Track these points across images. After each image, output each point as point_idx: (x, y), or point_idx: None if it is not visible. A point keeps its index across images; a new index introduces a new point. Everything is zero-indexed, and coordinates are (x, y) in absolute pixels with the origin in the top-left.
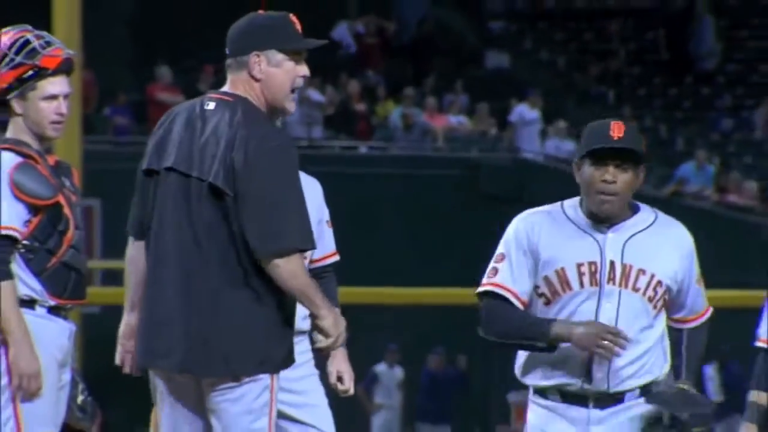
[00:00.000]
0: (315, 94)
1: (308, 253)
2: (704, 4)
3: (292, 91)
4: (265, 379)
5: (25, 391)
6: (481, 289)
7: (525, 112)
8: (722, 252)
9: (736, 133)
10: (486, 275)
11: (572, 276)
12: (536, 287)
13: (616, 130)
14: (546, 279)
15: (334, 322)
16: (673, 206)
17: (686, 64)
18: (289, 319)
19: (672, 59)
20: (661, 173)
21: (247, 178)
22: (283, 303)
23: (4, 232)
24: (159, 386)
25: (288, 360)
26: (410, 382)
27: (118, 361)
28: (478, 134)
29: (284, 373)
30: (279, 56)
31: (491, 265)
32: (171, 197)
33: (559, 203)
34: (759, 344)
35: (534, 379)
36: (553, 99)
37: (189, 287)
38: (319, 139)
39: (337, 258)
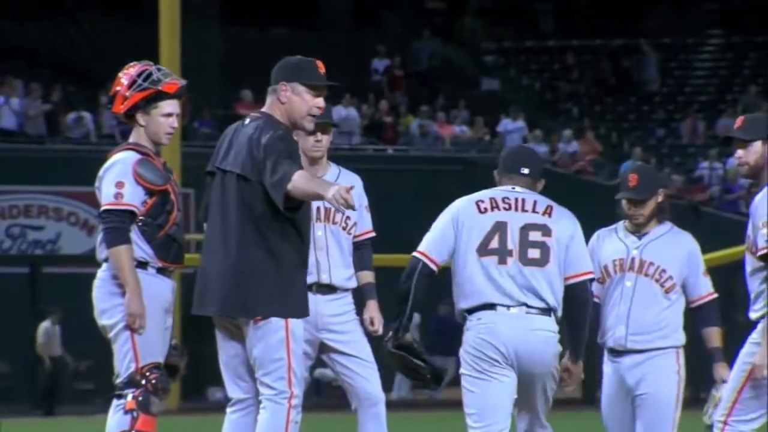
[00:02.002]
0: (344, 111)
1: (351, 230)
2: (648, 44)
3: (311, 115)
4: (278, 321)
5: (133, 326)
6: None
7: (509, 123)
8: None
9: (668, 139)
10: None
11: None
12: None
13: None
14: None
15: (324, 190)
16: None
17: (631, 88)
18: (299, 278)
19: (619, 84)
20: (611, 168)
21: (262, 160)
22: (294, 264)
23: (127, 207)
24: (217, 330)
25: (300, 310)
26: (425, 324)
27: None
28: (475, 140)
29: (332, 320)
30: (301, 88)
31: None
32: (217, 189)
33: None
34: None
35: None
36: (531, 113)
37: (223, 254)
38: (356, 144)
39: (373, 234)
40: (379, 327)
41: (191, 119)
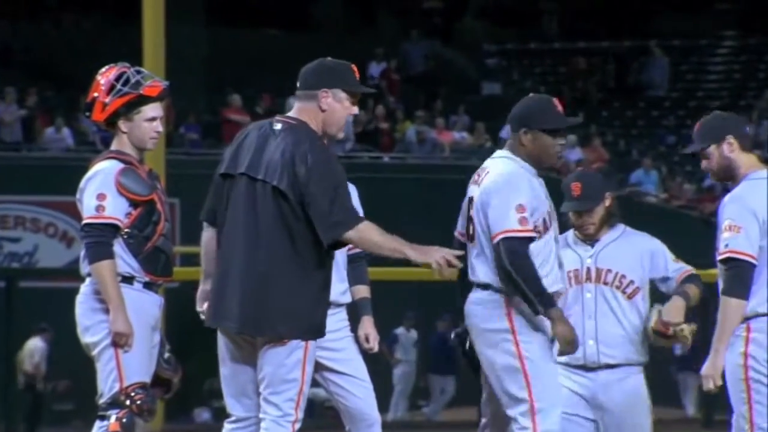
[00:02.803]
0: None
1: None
2: (657, 46)
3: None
4: (298, 342)
5: (120, 345)
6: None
7: None
8: (666, 239)
9: (679, 146)
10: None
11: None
12: None
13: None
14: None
15: (419, 253)
16: (631, 203)
17: (639, 92)
18: (324, 298)
19: (626, 88)
20: (620, 178)
21: (307, 183)
22: (321, 284)
23: (109, 221)
24: (223, 343)
25: (321, 331)
26: (423, 341)
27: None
28: (476, 147)
29: (327, 337)
30: (342, 95)
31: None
32: (242, 195)
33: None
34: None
35: None
36: None
37: (249, 267)
38: (351, 151)
39: None
40: (374, 344)
41: (177, 124)
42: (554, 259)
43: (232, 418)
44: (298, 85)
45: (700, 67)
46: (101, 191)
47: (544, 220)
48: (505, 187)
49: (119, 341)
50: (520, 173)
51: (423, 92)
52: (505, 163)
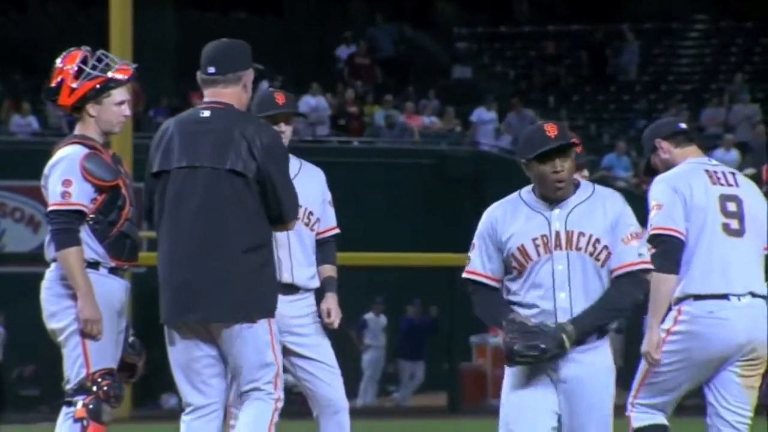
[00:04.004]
0: (314, 100)
1: (314, 227)
2: (629, 29)
3: None
4: (264, 322)
5: (89, 333)
6: (463, 275)
7: (483, 113)
8: (638, 220)
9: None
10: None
11: (530, 249)
12: (510, 261)
13: (551, 130)
14: (513, 256)
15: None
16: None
17: (611, 76)
18: (275, 277)
19: (598, 72)
20: (591, 161)
21: (263, 160)
22: (273, 262)
23: (75, 207)
24: (174, 333)
25: (275, 308)
26: (392, 327)
27: None
28: (446, 131)
29: (293, 322)
30: (252, 74)
31: (468, 255)
32: (187, 187)
33: (517, 192)
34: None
35: None
36: (505, 104)
37: (206, 255)
38: (321, 136)
39: (337, 231)
40: (335, 319)
41: (146, 108)
42: None
43: (190, 408)
44: (212, 70)
45: (672, 51)
46: (66, 177)
47: None
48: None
49: (88, 328)
50: None
51: (393, 76)
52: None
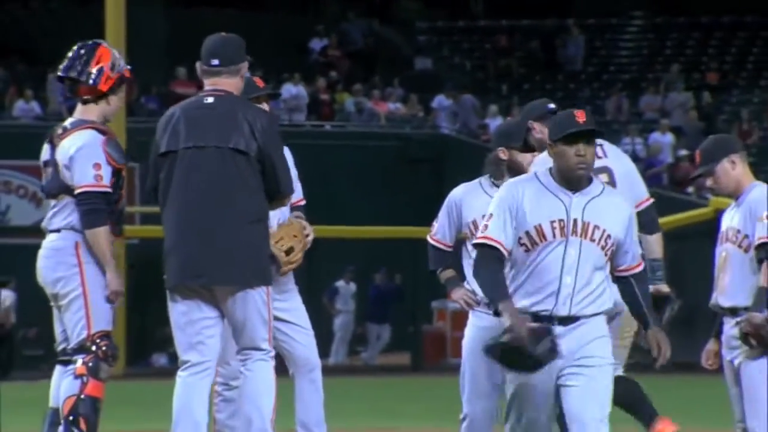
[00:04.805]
0: (295, 89)
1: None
2: (575, 24)
3: None
4: (264, 288)
5: (113, 301)
6: (476, 240)
7: (443, 100)
8: None
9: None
10: (480, 230)
11: (547, 230)
12: (519, 238)
13: (581, 116)
14: (528, 233)
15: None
16: None
17: (558, 67)
18: (270, 250)
19: (547, 63)
20: None
21: (263, 141)
22: (269, 238)
23: (105, 189)
24: (178, 295)
25: (271, 277)
26: (361, 293)
27: None
28: (409, 116)
29: (275, 288)
30: (246, 65)
31: (483, 222)
32: (194, 165)
33: (533, 174)
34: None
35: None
36: (462, 91)
37: (214, 226)
38: (296, 120)
39: (304, 202)
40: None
41: (138, 96)
42: None
43: (187, 365)
44: (215, 62)
45: (613, 44)
46: (96, 161)
47: None
48: None
49: (113, 298)
50: None
51: (361, 67)
52: None
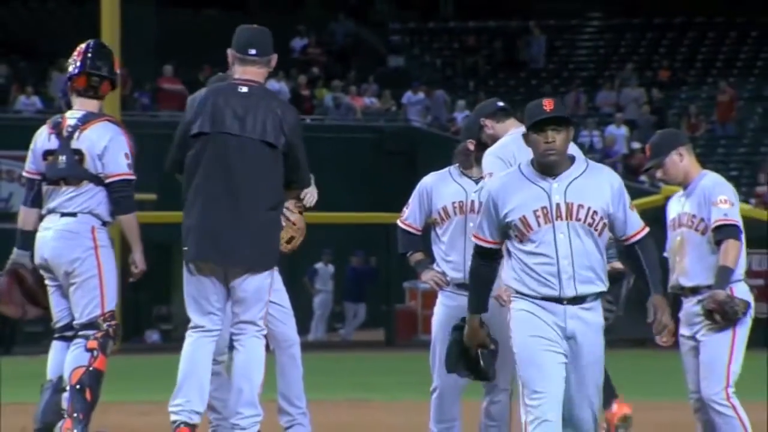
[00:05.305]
0: (277, 85)
1: None
2: (536, 25)
3: None
4: (272, 270)
5: (136, 279)
6: (472, 238)
7: (411, 96)
8: None
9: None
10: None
11: (531, 220)
12: (510, 230)
13: (548, 104)
14: (515, 225)
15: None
16: None
17: (521, 65)
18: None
19: (510, 61)
20: None
21: (290, 136)
22: (281, 221)
23: (133, 177)
24: (194, 268)
25: (278, 262)
26: (339, 274)
27: None
28: (383, 110)
29: None
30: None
31: (477, 220)
32: (226, 150)
33: (517, 165)
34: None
35: (517, 286)
36: (433, 87)
37: (238, 209)
38: None
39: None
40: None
41: (131, 90)
42: None
43: (198, 328)
44: (252, 52)
45: (572, 43)
46: (126, 150)
47: None
48: None
49: (138, 277)
50: None
51: (339, 64)
52: None
